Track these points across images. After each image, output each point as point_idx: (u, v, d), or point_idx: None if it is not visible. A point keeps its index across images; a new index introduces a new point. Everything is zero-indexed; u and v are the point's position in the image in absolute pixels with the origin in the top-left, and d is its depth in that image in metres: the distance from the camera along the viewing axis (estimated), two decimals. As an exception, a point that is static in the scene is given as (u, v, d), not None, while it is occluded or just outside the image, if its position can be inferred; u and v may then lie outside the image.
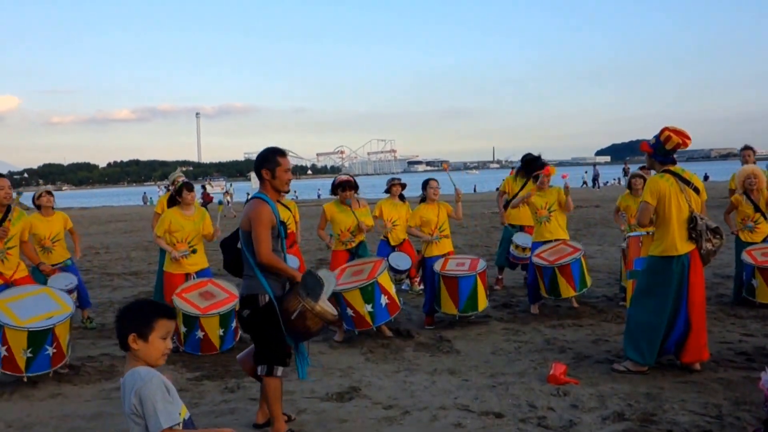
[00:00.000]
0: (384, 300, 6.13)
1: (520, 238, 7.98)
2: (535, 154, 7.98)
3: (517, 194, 8.16)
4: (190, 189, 6.53)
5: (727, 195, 8.26)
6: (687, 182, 4.98)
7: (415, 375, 5.13)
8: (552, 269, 6.72)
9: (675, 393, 4.43)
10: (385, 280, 6.22)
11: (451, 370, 5.23)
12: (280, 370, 3.91)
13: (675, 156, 5.02)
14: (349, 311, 6.10)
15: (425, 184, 6.97)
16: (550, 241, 7.01)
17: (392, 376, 5.14)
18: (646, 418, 4.01)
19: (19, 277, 5.62)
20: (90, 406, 4.68)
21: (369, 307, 6.06)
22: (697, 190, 4.99)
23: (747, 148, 7.72)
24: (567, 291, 6.76)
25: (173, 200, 6.68)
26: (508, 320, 6.83)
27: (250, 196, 4.05)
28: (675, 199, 4.88)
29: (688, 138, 4.93)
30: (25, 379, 5.13)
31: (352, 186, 6.86)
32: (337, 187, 6.87)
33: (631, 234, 5.96)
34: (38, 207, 7.06)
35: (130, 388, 2.47)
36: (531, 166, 7.70)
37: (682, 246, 4.87)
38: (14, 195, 5.79)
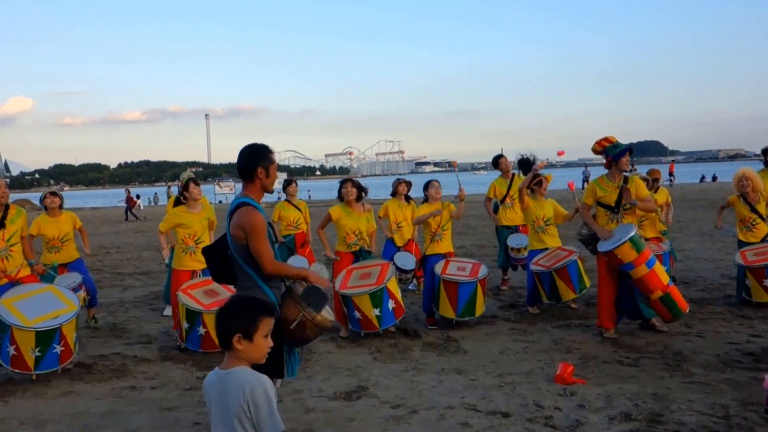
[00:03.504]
0: (391, 304, 6.24)
1: (513, 240, 8.08)
2: (529, 156, 8.25)
3: (506, 195, 8.29)
4: (197, 183, 6.65)
5: None
6: None
7: (422, 374, 5.16)
8: (550, 273, 6.80)
9: (682, 393, 4.44)
10: (393, 286, 6.32)
11: (459, 369, 5.26)
12: (279, 383, 3.79)
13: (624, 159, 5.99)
14: (357, 314, 6.19)
15: (427, 185, 7.08)
16: (547, 249, 7.13)
17: (400, 375, 5.18)
18: (653, 418, 4.02)
19: (23, 275, 5.67)
20: (102, 404, 4.75)
21: (377, 311, 6.16)
22: None
23: None
24: (567, 294, 6.81)
25: (179, 201, 6.77)
26: (515, 320, 6.86)
27: (234, 201, 3.71)
28: None
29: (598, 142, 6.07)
30: (35, 377, 5.22)
31: (356, 184, 6.90)
32: (341, 187, 6.89)
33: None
34: (45, 208, 7.08)
35: (239, 388, 2.36)
36: (527, 166, 8.16)
37: None
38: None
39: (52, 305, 5.33)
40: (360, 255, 6.79)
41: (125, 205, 30.93)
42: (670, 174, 42.45)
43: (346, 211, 6.79)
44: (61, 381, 5.29)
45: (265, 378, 2.41)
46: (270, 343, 2.50)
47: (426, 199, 7.03)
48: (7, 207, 5.62)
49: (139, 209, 31.50)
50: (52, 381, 5.27)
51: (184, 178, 8.05)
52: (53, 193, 7.14)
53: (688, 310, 5.89)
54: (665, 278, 5.80)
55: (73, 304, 5.44)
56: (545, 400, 4.43)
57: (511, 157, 8.61)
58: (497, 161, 8.62)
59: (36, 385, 5.18)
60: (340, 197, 6.89)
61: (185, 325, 5.95)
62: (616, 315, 5.99)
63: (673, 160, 55.68)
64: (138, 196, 33.63)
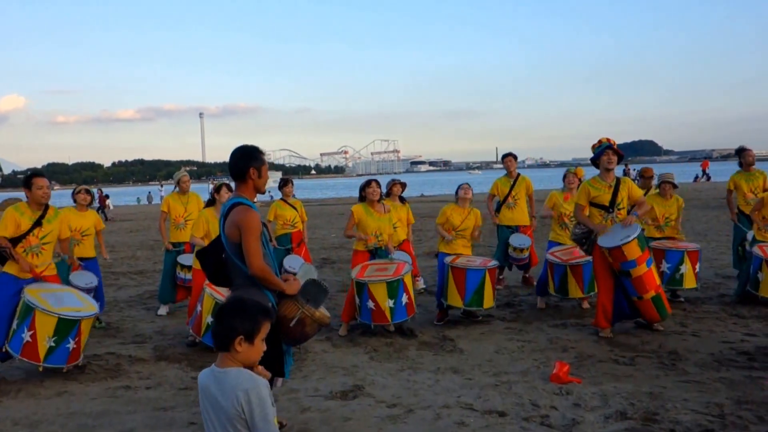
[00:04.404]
0: (405, 299, 6.23)
1: (516, 240, 8.08)
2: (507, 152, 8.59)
3: (508, 195, 8.25)
4: (230, 189, 6.67)
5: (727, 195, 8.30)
6: None
7: (418, 374, 5.16)
8: (564, 267, 6.86)
9: (677, 392, 4.45)
10: (409, 281, 6.33)
11: (455, 369, 5.26)
12: (280, 382, 3.78)
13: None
14: (370, 303, 6.16)
15: (458, 189, 7.21)
16: (565, 245, 7.23)
17: (396, 374, 5.18)
18: (649, 417, 4.03)
19: (48, 275, 5.71)
20: (96, 404, 4.72)
21: (391, 303, 6.14)
22: None
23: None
24: (575, 291, 6.87)
25: (211, 201, 6.81)
26: (511, 319, 6.87)
27: (228, 201, 3.68)
28: None
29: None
30: (41, 369, 5.21)
31: (380, 185, 6.92)
32: (366, 186, 6.82)
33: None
34: (74, 201, 7.30)
35: (234, 389, 2.34)
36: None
37: None
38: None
39: (73, 303, 5.48)
40: (376, 254, 6.76)
41: (98, 205, 31.06)
42: (704, 172, 43.63)
43: (368, 211, 6.74)
44: (55, 381, 5.26)
45: (262, 381, 2.39)
46: (264, 346, 2.50)
47: (457, 200, 7.16)
48: (46, 207, 5.73)
49: (109, 209, 31.65)
50: (46, 381, 5.24)
51: (177, 177, 8.04)
52: (87, 191, 7.41)
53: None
54: (658, 279, 5.98)
55: (93, 306, 5.59)
56: (541, 399, 4.44)
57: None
58: (504, 159, 8.61)
59: (29, 385, 5.16)
60: (363, 197, 6.83)
61: (209, 319, 5.89)
62: (612, 316, 6.01)
63: (706, 158, 55.66)
64: (107, 196, 34.04)
